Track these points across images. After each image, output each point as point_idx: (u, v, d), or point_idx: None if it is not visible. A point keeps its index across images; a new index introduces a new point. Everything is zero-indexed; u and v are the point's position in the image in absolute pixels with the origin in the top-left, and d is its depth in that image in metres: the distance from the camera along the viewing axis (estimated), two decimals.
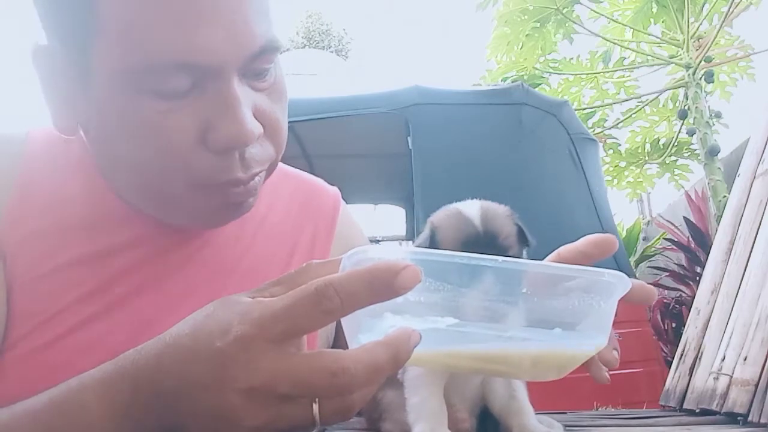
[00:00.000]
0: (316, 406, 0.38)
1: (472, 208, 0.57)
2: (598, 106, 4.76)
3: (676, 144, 4.45)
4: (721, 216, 0.98)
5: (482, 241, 0.54)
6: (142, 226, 0.63)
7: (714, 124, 4.04)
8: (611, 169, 4.67)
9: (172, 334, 0.40)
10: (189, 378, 0.38)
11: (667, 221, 3.99)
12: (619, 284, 0.43)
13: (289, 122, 0.63)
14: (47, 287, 0.58)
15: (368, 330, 0.40)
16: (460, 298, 0.41)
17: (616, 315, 0.44)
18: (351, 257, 0.40)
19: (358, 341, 0.40)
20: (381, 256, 0.39)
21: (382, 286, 0.37)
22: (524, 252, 0.59)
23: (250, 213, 0.65)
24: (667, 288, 3.62)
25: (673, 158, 4.57)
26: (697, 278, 3.15)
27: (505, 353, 0.43)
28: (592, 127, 4.62)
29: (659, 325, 3.41)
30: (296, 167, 0.83)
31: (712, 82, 4.21)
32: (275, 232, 0.72)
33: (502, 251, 0.54)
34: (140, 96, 0.52)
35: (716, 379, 0.77)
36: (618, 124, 4.76)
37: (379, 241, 5.56)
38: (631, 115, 4.66)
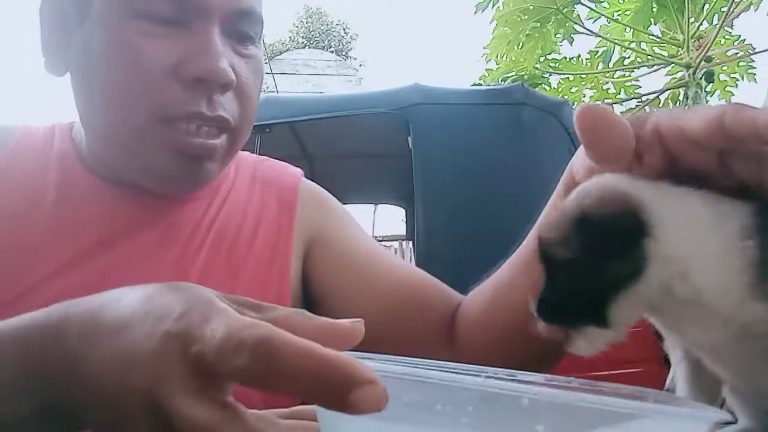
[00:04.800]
0: None
1: None
2: None
3: None
4: None
5: None
6: (113, 202, 0.65)
7: None
8: None
9: (113, 295, 0.35)
10: (94, 353, 0.32)
11: None
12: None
13: (289, 122, 0.64)
14: (17, 264, 0.59)
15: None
16: None
17: None
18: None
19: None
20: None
21: (330, 389, 0.26)
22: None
23: (213, 189, 0.70)
24: None
25: None
26: None
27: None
28: None
29: None
30: (296, 167, 0.83)
31: (713, 82, 4.21)
32: (239, 208, 0.73)
33: None
34: (129, 19, 0.58)
35: None
36: None
37: (379, 241, 5.56)
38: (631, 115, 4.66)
